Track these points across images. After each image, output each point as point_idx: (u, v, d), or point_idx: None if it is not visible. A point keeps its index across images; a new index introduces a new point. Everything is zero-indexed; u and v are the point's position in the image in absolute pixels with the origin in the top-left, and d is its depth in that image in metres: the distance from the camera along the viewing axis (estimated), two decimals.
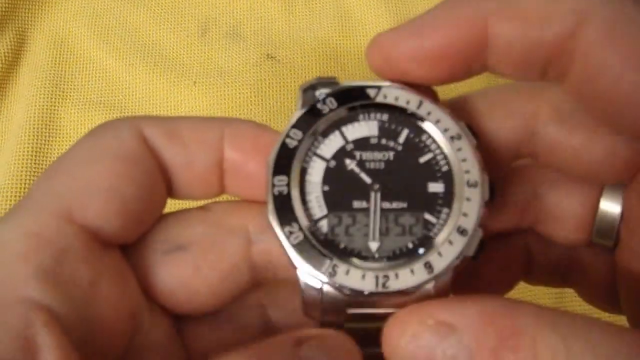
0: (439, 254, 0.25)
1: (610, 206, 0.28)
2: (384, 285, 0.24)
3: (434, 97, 0.27)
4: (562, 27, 0.23)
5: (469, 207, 0.25)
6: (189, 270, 0.27)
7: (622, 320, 0.28)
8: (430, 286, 0.24)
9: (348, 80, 0.28)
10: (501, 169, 0.29)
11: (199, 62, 0.57)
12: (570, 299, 0.48)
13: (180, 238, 0.27)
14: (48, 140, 0.54)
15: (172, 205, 0.29)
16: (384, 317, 0.23)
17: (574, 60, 0.24)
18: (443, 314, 0.22)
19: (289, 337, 0.22)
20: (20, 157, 0.53)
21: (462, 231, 0.25)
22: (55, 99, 0.55)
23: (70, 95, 0.56)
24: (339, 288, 0.24)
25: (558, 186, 0.29)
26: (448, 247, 0.25)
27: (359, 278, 0.24)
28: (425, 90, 0.27)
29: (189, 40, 0.58)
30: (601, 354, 0.20)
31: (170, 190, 0.28)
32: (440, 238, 0.25)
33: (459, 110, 0.28)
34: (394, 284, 0.24)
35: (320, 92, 0.27)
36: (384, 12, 0.59)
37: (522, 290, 0.50)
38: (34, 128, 0.54)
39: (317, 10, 0.60)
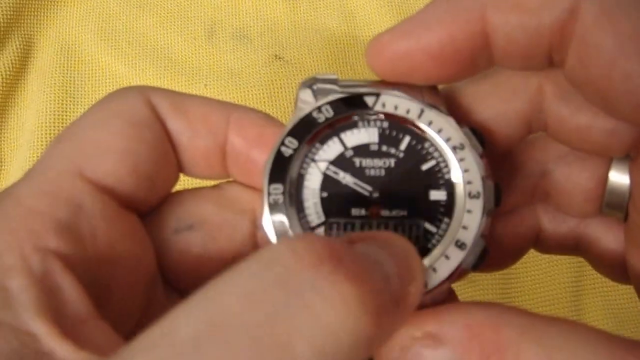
0: (434, 269, 0.24)
1: (620, 177, 0.28)
2: None
3: (438, 97, 0.27)
4: (560, 12, 0.23)
5: (469, 219, 0.24)
6: (196, 250, 0.27)
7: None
8: (426, 298, 0.23)
9: (348, 79, 0.27)
10: (514, 146, 0.29)
11: (208, 65, 0.57)
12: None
13: (191, 217, 0.27)
14: None
15: (188, 183, 0.29)
16: None
17: (571, 45, 0.23)
18: (431, 326, 0.21)
19: (341, 238, 0.21)
20: (33, 163, 0.53)
21: (460, 245, 0.24)
22: (65, 104, 0.56)
23: (80, 101, 0.56)
24: None
25: (566, 160, 0.29)
26: (444, 262, 0.24)
27: None
28: (429, 90, 0.27)
29: (197, 43, 0.58)
30: None
31: (180, 165, 0.28)
32: (436, 252, 0.24)
33: (458, 97, 0.28)
34: None
35: (318, 87, 0.26)
36: (387, 9, 0.60)
37: (546, 261, 0.51)
38: (45, 134, 0.54)
39: (322, 10, 0.60)
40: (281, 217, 0.24)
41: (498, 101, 0.27)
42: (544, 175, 0.30)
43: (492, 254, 0.25)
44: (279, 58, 0.57)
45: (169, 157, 0.27)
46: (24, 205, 0.23)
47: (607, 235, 0.30)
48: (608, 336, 0.20)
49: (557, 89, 0.27)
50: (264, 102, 0.55)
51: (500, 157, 0.29)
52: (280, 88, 0.55)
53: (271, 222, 0.24)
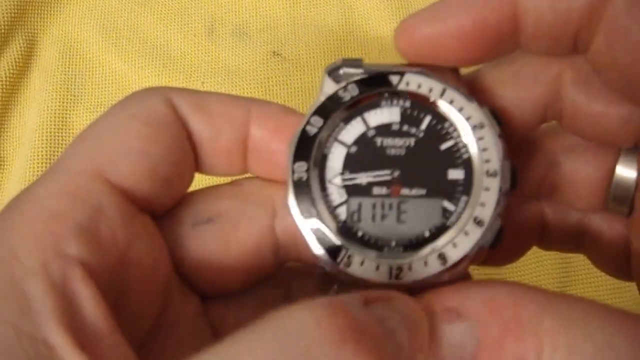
0: (454, 244, 0.24)
1: (627, 172, 0.29)
2: (397, 276, 0.24)
3: (460, 81, 0.27)
4: None
5: (487, 196, 0.25)
6: (216, 243, 0.27)
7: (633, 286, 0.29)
8: (445, 276, 0.24)
9: (372, 63, 0.27)
10: (528, 135, 0.29)
11: (206, 62, 0.57)
12: (576, 267, 0.50)
13: (209, 211, 0.27)
14: (61, 145, 0.54)
15: (203, 182, 0.29)
16: None
17: (598, 28, 0.24)
18: (451, 301, 0.22)
19: (357, 295, 0.22)
20: (34, 161, 0.53)
21: (478, 222, 0.25)
22: (67, 103, 0.56)
23: (81, 99, 0.56)
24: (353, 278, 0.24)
25: (574, 153, 0.30)
26: (463, 238, 0.25)
27: (373, 269, 0.24)
28: (452, 73, 0.27)
29: (196, 40, 0.58)
30: (601, 341, 0.20)
31: (197, 163, 0.28)
32: (456, 228, 0.25)
33: (479, 83, 0.28)
34: (408, 276, 0.24)
35: (345, 71, 0.27)
36: (386, 5, 0.59)
37: (532, 261, 0.50)
38: (46, 133, 0.54)
39: (321, 6, 0.60)
40: (305, 195, 0.25)
41: (517, 87, 0.28)
42: (552, 167, 0.30)
43: (496, 248, 0.25)
44: (278, 55, 0.57)
45: (187, 157, 0.27)
46: (44, 207, 0.23)
47: (610, 231, 0.30)
48: (628, 314, 0.20)
49: (576, 75, 0.27)
50: (261, 97, 0.54)
51: (512, 148, 0.29)
52: (278, 85, 0.55)
53: (295, 201, 0.25)
